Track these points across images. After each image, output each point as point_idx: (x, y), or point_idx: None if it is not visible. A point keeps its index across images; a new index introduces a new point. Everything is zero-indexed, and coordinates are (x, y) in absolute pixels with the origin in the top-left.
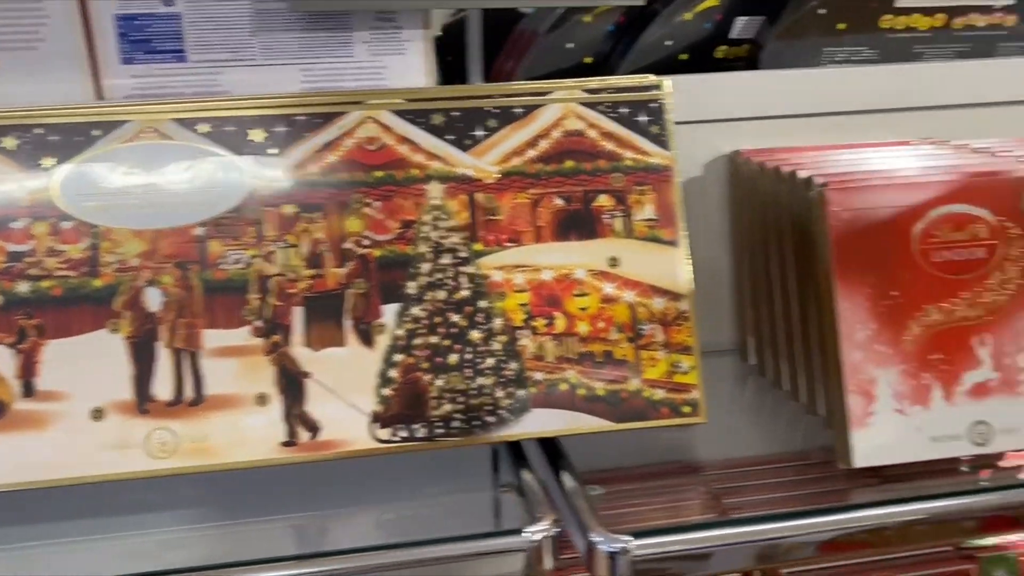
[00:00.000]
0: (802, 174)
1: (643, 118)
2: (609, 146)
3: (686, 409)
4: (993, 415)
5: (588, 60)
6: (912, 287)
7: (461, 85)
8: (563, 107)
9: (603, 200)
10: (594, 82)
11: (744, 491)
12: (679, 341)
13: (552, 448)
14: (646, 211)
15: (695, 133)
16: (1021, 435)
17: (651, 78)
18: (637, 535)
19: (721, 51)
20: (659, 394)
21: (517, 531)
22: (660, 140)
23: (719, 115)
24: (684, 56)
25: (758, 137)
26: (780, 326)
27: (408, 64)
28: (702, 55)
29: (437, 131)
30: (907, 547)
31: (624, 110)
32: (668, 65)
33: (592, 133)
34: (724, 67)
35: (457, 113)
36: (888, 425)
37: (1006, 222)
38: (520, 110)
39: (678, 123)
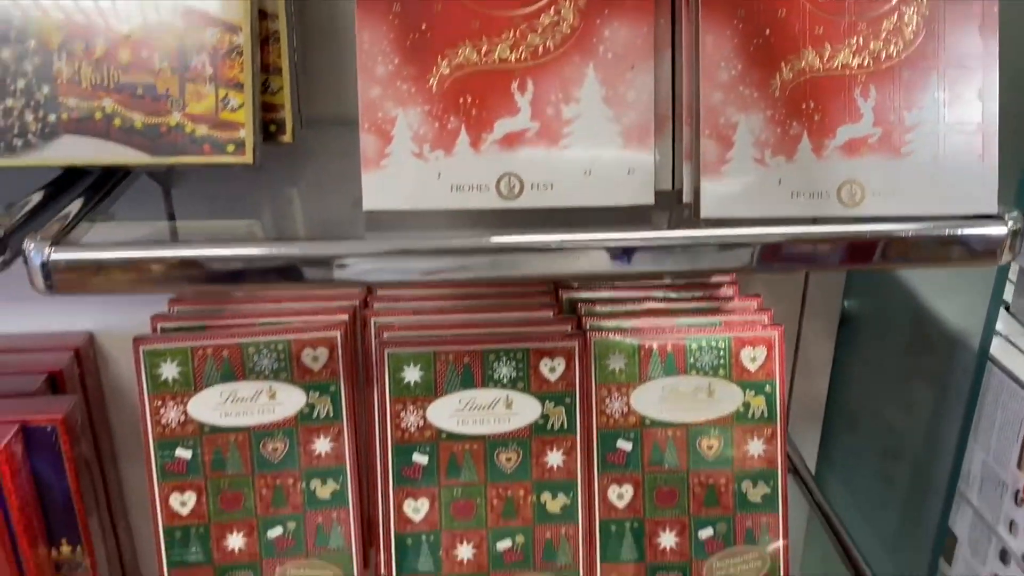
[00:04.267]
0: None
1: None
2: None
3: (230, 148)
4: (526, 166)
5: None
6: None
7: None
8: None
9: None
10: None
11: None
12: (231, 76)
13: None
14: None
15: None
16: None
17: None
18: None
19: None
20: (202, 130)
21: None
22: None
23: None
24: None
25: None
26: None
27: None
28: None
29: None
30: None
31: None
32: None
33: None
34: None
35: None
36: (405, 170)
37: None
38: None
39: None
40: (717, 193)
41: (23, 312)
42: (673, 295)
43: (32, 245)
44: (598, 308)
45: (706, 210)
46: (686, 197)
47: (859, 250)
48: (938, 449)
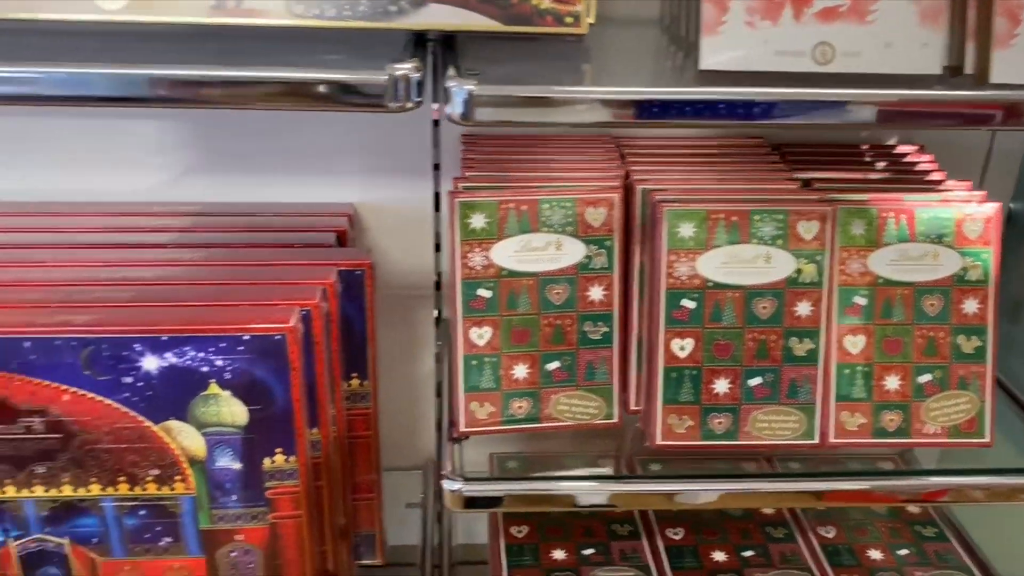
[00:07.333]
0: None
1: None
2: None
3: (568, 20)
4: (837, 37)
5: None
6: None
7: None
8: None
9: None
10: None
11: None
12: None
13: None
14: None
15: None
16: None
17: None
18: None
19: None
20: (546, 3)
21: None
22: None
23: None
24: None
25: None
26: None
27: None
28: None
29: None
30: None
31: None
32: None
33: None
34: None
35: None
36: (738, 36)
37: None
38: None
39: None
40: (1007, 62)
41: (297, 184)
42: (891, 176)
43: (454, 83)
44: (830, 184)
45: (996, 76)
46: (968, 69)
47: None
48: None
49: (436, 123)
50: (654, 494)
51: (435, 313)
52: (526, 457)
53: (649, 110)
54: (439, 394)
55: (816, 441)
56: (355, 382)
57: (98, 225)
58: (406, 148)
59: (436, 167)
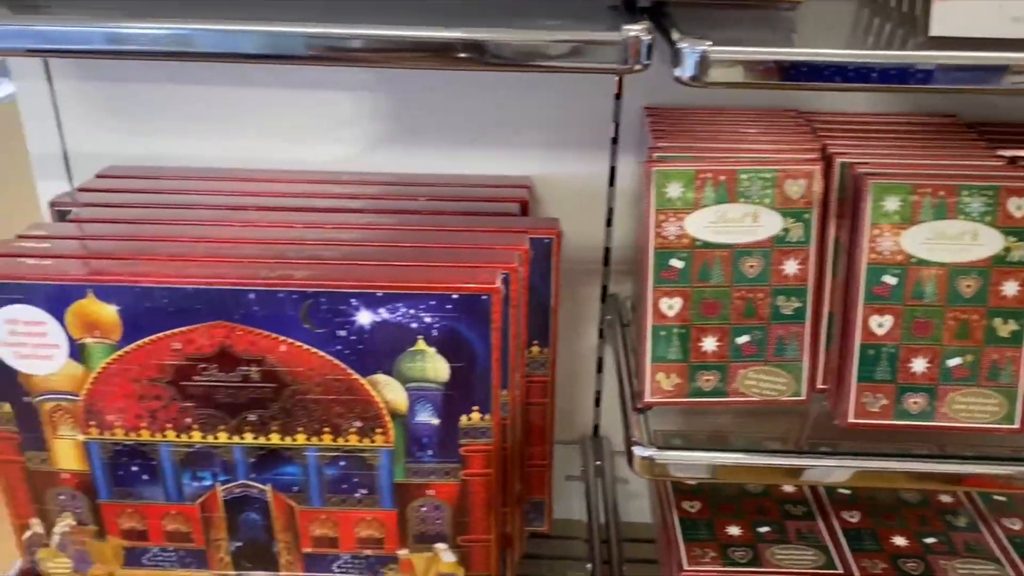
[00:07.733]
0: None
1: None
2: None
3: None
4: None
5: None
6: None
7: None
8: None
9: None
10: None
11: None
12: None
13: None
14: None
15: None
16: None
17: None
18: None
19: None
20: None
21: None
22: None
23: None
24: None
25: None
26: None
27: None
28: None
29: None
30: None
31: None
32: None
33: None
34: None
35: None
36: (971, 2)
37: None
38: None
39: None
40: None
41: (477, 157)
42: None
43: (686, 44)
44: None
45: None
46: None
47: None
48: None
49: (618, 96)
50: (776, 469)
51: (601, 288)
52: (690, 435)
53: (901, 76)
54: (600, 370)
55: (1016, 426)
56: (535, 349)
57: (294, 191)
58: (584, 122)
59: (614, 141)
